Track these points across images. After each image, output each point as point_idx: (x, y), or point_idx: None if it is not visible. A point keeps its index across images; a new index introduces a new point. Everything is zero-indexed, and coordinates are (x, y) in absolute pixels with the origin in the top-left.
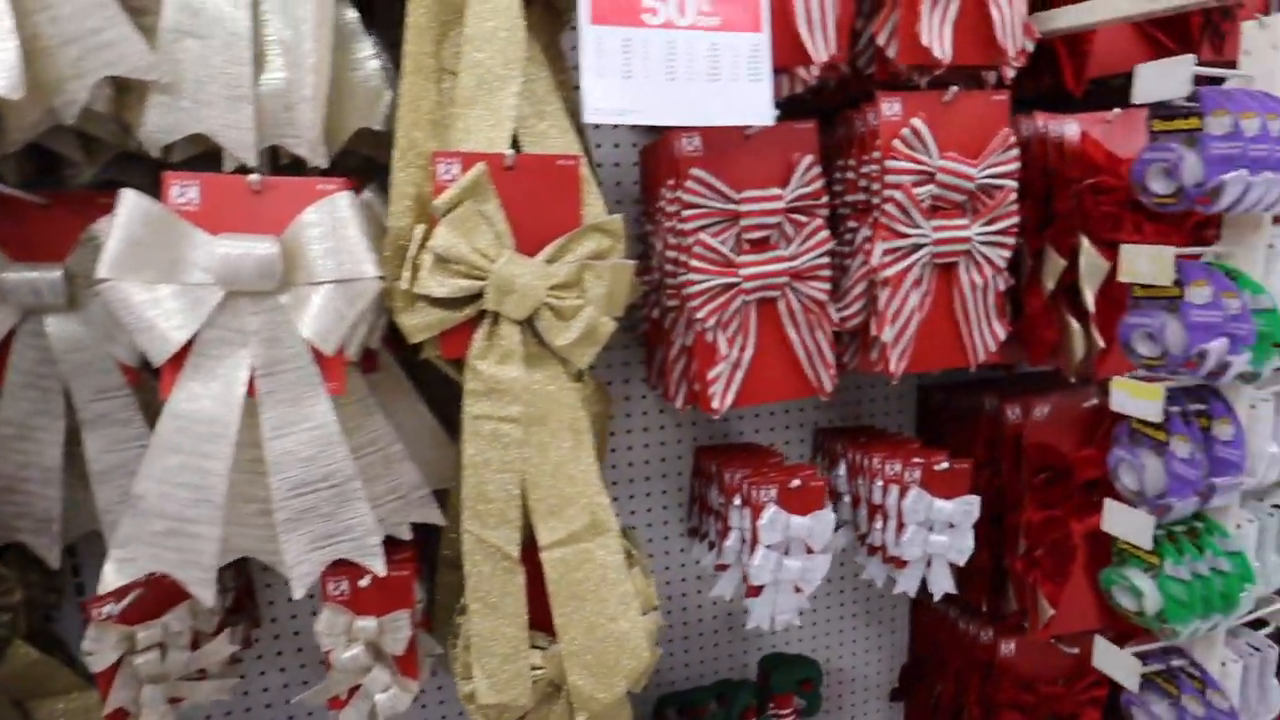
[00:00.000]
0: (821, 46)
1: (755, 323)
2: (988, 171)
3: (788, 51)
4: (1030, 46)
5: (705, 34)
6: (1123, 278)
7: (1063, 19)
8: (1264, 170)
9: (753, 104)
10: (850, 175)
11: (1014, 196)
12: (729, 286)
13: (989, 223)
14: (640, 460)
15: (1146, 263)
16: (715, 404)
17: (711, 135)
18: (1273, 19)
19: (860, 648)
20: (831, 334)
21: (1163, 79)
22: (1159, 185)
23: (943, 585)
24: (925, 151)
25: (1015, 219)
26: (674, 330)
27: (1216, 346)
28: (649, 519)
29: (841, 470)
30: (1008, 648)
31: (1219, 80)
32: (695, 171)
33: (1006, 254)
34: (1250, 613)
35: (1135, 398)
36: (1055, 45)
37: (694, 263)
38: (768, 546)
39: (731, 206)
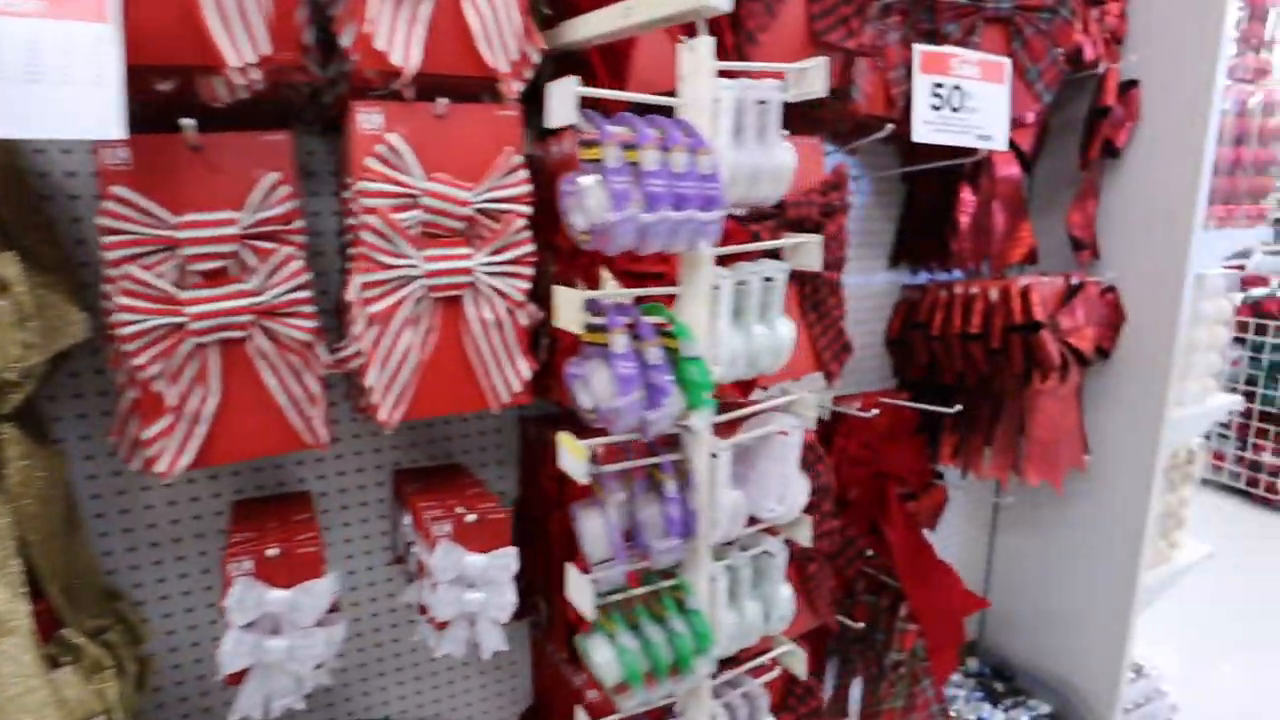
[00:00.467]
0: (245, 44)
1: (218, 369)
2: (488, 195)
3: (196, 48)
4: (536, 57)
5: (23, 22)
6: (555, 323)
7: (560, 34)
8: (662, 207)
9: (94, 113)
10: (347, 196)
11: (523, 223)
12: (174, 328)
13: (495, 252)
14: (143, 523)
15: (562, 307)
16: (162, 466)
17: (146, 146)
18: (699, 41)
19: (479, 695)
20: (322, 378)
21: (560, 102)
22: (578, 219)
23: (491, 644)
24: (406, 171)
25: (529, 248)
26: (125, 380)
27: (627, 401)
28: (183, 585)
29: (407, 519)
30: (594, 693)
31: (659, 107)
32: (117, 190)
33: (522, 285)
34: (735, 665)
35: (570, 455)
36: (592, 58)
37: (122, 300)
38: (241, 627)
39: (166, 233)
